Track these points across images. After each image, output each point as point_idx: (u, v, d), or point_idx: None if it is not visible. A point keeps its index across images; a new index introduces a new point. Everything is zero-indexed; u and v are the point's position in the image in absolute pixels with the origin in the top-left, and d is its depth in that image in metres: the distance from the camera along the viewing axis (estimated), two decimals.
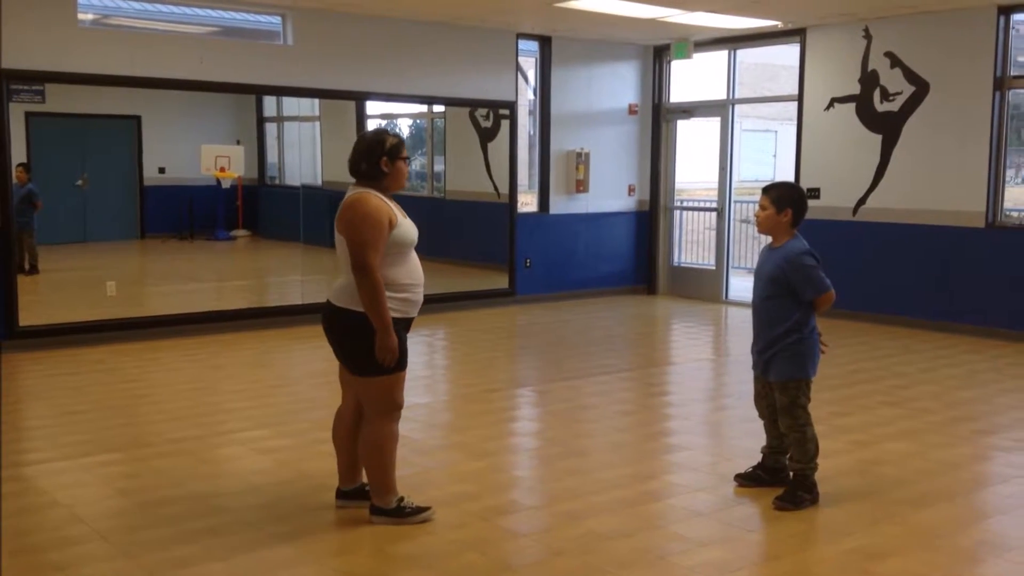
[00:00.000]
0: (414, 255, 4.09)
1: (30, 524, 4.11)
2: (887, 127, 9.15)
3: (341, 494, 4.32)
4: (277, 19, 8.84)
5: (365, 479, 4.26)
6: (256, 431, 5.55)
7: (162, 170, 11.63)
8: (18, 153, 8.53)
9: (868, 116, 9.28)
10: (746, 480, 4.64)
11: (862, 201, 9.36)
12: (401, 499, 4.15)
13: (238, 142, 12.21)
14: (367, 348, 3.93)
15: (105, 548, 3.89)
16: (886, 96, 9.11)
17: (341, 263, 4.03)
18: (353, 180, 4.08)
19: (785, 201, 4.37)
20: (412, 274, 4.04)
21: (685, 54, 10.46)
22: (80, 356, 7.52)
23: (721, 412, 6.38)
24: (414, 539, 3.98)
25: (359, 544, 3.97)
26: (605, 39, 10.68)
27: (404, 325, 4.04)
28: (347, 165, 4.08)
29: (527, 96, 10.90)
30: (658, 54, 11.17)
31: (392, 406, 4.08)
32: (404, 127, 14.37)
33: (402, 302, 4.00)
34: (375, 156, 4.00)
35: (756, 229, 4.54)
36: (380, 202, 3.96)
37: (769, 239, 4.54)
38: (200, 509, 4.30)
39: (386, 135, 4.07)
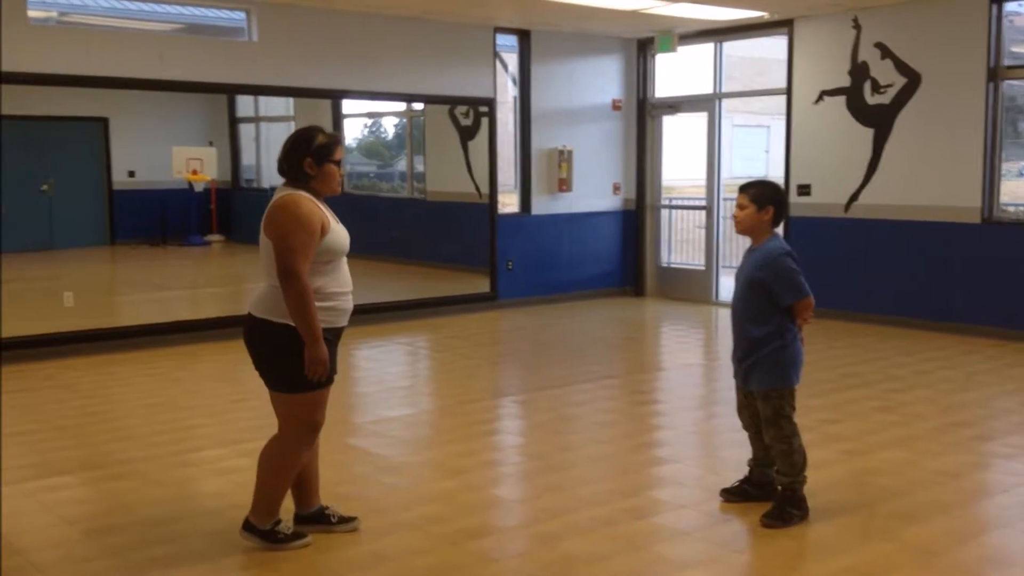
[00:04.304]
0: (344, 263, 3.82)
1: None
2: (879, 120, 8.92)
3: (300, 519, 4.05)
4: (241, 15, 8.55)
5: (323, 501, 4.02)
6: (213, 450, 5.26)
7: (132, 173, 11.34)
8: None
9: (859, 109, 9.05)
10: (733, 495, 4.41)
11: (854, 197, 9.13)
12: (277, 522, 3.87)
13: (210, 143, 11.93)
14: (286, 362, 3.66)
15: None
16: (877, 88, 8.89)
17: (263, 269, 3.75)
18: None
19: (765, 199, 4.17)
20: (340, 282, 3.77)
21: (669, 47, 10.22)
22: (30, 372, 7.19)
23: (711, 421, 6.10)
24: (376, 568, 3.73)
25: (321, 574, 3.71)
26: (586, 32, 10.42)
27: (333, 335, 3.76)
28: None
29: (508, 92, 10.62)
30: (642, 48, 10.92)
31: (312, 426, 3.81)
32: (389, 126, 14.09)
33: (329, 311, 3.72)
34: (299, 156, 3.71)
35: (735, 229, 4.31)
36: (313, 205, 3.68)
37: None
38: (150, 537, 4.03)
39: (317, 133, 3.74)
